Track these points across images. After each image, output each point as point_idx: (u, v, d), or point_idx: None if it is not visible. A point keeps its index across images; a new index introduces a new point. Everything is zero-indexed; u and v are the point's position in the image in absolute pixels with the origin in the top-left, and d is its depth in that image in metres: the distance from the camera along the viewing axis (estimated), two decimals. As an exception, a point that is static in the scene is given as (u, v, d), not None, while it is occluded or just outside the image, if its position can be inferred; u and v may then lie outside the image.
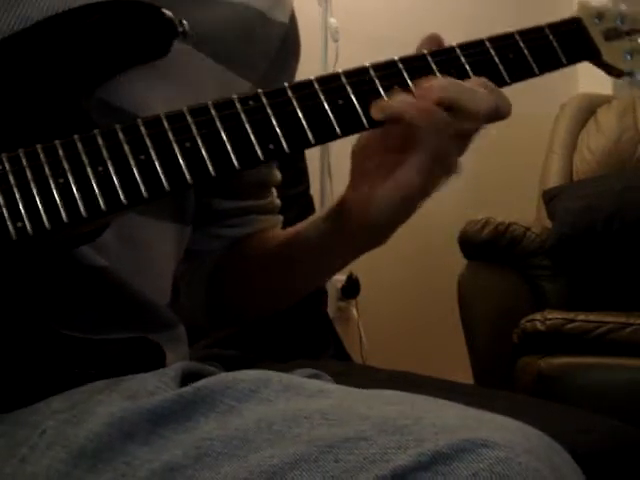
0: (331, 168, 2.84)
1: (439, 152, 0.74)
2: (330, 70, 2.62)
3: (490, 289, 2.61)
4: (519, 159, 3.19)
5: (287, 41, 0.93)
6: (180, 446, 0.59)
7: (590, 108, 3.04)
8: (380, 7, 3.05)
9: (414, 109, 0.74)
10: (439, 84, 0.75)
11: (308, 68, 0.77)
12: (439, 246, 2.97)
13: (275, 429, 0.57)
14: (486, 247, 2.59)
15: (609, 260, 2.55)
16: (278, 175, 0.98)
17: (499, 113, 0.76)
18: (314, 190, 2.43)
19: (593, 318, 2.33)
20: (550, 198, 2.73)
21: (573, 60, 0.82)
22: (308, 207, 2.32)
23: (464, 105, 0.74)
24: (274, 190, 0.99)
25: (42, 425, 0.65)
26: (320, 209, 2.76)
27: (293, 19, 0.94)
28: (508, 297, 2.60)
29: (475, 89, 0.75)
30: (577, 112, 3.04)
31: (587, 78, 3.16)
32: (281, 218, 0.99)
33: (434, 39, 0.79)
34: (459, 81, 0.76)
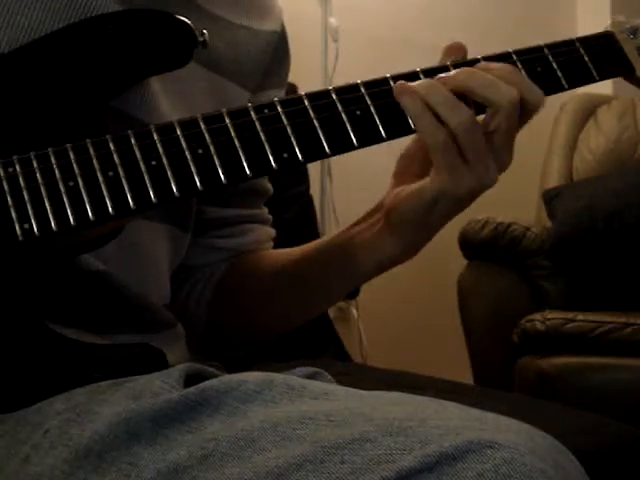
0: (331, 168, 2.84)
1: (464, 147, 0.72)
2: (330, 69, 2.64)
3: (490, 289, 2.61)
4: (519, 159, 3.18)
5: (279, 48, 0.94)
6: (185, 447, 0.59)
7: (590, 108, 3.04)
8: (380, 7, 3.05)
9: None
10: (454, 74, 0.74)
11: (308, 68, 0.77)
12: (439, 246, 2.97)
13: (280, 430, 0.58)
14: (486, 247, 2.59)
15: (609, 260, 2.55)
16: (270, 187, 0.98)
17: (527, 105, 0.74)
18: (314, 190, 2.43)
19: (593, 318, 2.33)
20: (550, 198, 2.73)
21: (605, 75, 0.80)
22: (308, 207, 2.32)
23: (481, 94, 0.73)
24: (265, 208, 0.98)
25: (45, 425, 0.65)
26: (320, 209, 2.76)
27: (283, 27, 0.95)
28: (508, 297, 2.60)
29: (495, 80, 0.73)
30: (577, 112, 3.04)
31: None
32: (274, 232, 0.98)
33: (458, 48, 0.78)
34: (477, 70, 0.74)
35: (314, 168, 2.61)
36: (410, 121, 0.73)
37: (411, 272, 3.10)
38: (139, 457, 0.60)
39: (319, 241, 0.87)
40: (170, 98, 0.79)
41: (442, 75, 0.74)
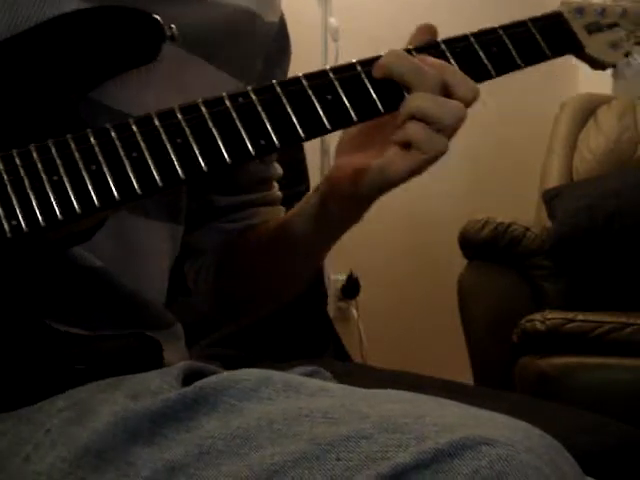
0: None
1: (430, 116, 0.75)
2: (330, 70, 2.54)
3: (490, 289, 2.61)
4: (519, 159, 3.19)
5: (278, 40, 0.94)
6: (182, 445, 0.59)
7: (590, 108, 3.04)
8: (380, 7, 3.05)
9: (406, 64, 0.76)
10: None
11: (308, 68, 0.78)
12: (439, 246, 2.97)
13: (276, 428, 0.58)
14: (486, 247, 2.59)
15: (609, 260, 2.55)
16: (278, 169, 0.99)
17: (459, 98, 0.77)
18: (314, 190, 2.43)
19: (593, 318, 2.33)
20: (550, 198, 2.73)
21: (557, 53, 0.84)
22: (308, 207, 2.32)
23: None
24: (275, 184, 1.00)
25: (47, 424, 0.65)
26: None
27: (282, 18, 0.95)
28: (508, 297, 2.60)
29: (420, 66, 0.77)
30: (577, 112, 3.04)
31: (587, 78, 3.16)
32: (283, 209, 1.00)
33: (428, 29, 0.81)
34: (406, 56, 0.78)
35: (314, 168, 2.61)
36: (378, 103, 0.76)
37: (411, 272, 3.11)
38: (137, 456, 0.60)
39: (294, 210, 0.90)
40: (157, 90, 0.80)
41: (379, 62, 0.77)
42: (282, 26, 0.95)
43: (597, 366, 2.28)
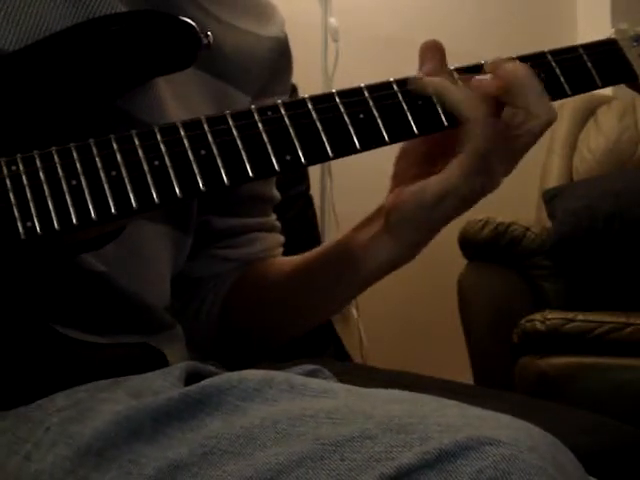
0: (331, 168, 2.84)
1: (485, 155, 0.73)
2: (330, 69, 2.64)
3: (490, 289, 2.61)
4: (519, 159, 3.19)
5: (282, 54, 0.94)
6: (186, 444, 0.59)
7: (590, 108, 3.04)
8: (380, 7, 3.05)
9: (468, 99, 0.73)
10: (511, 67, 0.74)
11: (308, 68, 0.77)
12: (439, 246, 2.97)
13: (280, 428, 0.58)
14: (486, 247, 2.59)
15: (609, 260, 2.55)
16: (277, 194, 0.98)
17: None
18: (314, 190, 2.43)
19: (593, 318, 2.33)
20: (550, 198, 2.73)
21: (608, 82, 0.81)
22: (308, 207, 2.32)
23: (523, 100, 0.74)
24: (273, 214, 0.98)
25: (46, 422, 0.65)
26: (320, 209, 2.76)
27: (285, 33, 0.94)
28: (508, 297, 2.60)
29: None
30: (577, 112, 3.05)
31: (587, 78, 3.16)
32: (283, 239, 0.97)
33: (435, 47, 0.77)
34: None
35: (314, 168, 2.61)
36: (412, 124, 0.74)
37: (411, 272, 3.09)
38: (140, 455, 0.60)
39: (320, 247, 0.87)
40: (177, 103, 0.80)
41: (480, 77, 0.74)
42: (285, 42, 0.94)
43: (597, 366, 2.29)
